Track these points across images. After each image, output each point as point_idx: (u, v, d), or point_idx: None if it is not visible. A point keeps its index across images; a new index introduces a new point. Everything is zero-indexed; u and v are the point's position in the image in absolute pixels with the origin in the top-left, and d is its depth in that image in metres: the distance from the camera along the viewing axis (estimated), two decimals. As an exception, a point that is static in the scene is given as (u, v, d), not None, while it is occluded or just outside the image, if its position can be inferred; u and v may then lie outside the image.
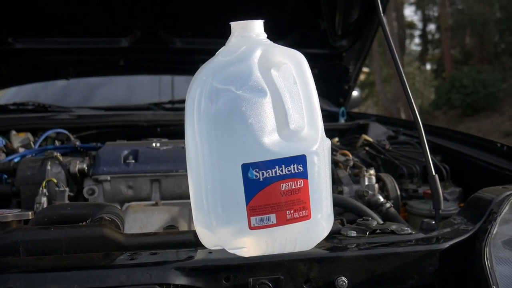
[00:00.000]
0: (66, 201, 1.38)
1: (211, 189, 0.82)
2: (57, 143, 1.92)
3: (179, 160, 1.48)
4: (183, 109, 2.54)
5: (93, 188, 1.45)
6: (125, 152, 1.49)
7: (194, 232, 0.92)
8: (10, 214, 0.88)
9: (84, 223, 0.98)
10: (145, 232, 0.97)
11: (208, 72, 0.86)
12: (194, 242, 0.89)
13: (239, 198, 0.79)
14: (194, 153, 0.85)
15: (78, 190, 1.47)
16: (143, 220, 1.33)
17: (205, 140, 0.83)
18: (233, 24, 0.89)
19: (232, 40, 0.89)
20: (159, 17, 2.25)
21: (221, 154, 0.81)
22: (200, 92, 0.84)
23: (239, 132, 0.81)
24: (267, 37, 0.88)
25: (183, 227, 1.33)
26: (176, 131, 2.29)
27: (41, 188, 1.37)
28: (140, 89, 2.91)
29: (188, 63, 2.53)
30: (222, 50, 0.90)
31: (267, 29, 0.88)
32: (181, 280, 0.77)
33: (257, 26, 0.89)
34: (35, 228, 0.89)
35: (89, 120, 2.21)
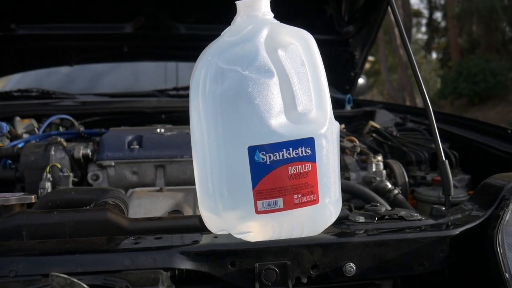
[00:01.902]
0: (70, 186, 1.37)
1: (216, 172, 0.80)
2: (61, 129, 1.91)
3: (184, 145, 1.47)
4: (187, 96, 2.53)
5: (97, 173, 1.44)
6: (129, 138, 1.47)
7: (199, 217, 0.90)
8: (13, 197, 0.87)
9: (88, 207, 0.96)
10: (149, 217, 0.96)
11: (213, 52, 0.84)
12: (199, 227, 0.88)
13: (246, 182, 0.77)
14: (199, 135, 0.83)
15: (82, 176, 1.46)
16: (148, 205, 1.31)
17: (211, 121, 0.81)
18: (239, 3, 0.86)
19: (238, 19, 0.87)
20: (163, 3, 2.22)
21: (227, 136, 0.79)
22: (205, 72, 0.82)
23: (245, 114, 0.79)
24: (272, 20, 0.86)
25: (188, 213, 1.32)
26: (180, 118, 2.27)
27: (45, 173, 1.36)
28: (145, 76, 2.89)
29: (192, 49, 2.48)
30: (227, 30, 0.87)
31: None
32: (186, 264, 0.75)
33: (264, 4, 0.86)
34: (38, 211, 0.87)
35: (94, 107, 2.20)
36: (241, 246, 0.78)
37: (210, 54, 0.83)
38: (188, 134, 1.52)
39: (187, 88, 2.57)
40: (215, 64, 0.81)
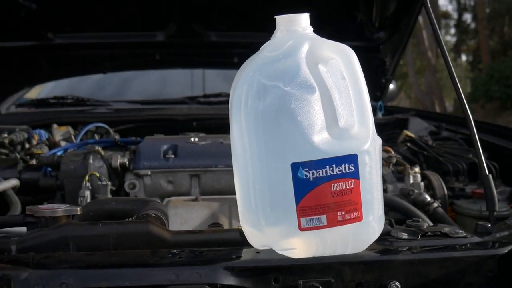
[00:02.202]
0: (109, 195, 1.40)
1: (259, 188, 0.80)
2: (96, 136, 1.95)
3: (218, 155, 1.48)
4: (217, 103, 2.55)
5: (134, 182, 1.46)
6: (165, 147, 1.49)
7: (240, 231, 0.91)
8: (60, 209, 0.89)
9: (130, 219, 0.98)
10: (190, 230, 0.97)
11: (254, 68, 0.84)
12: (240, 241, 0.88)
13: (289, 198, 0.77)
14: (241, 151, 0.84)
15: (120, 184, 1.49)
16: (184, 215, 1.33)
17: (253, 138, 0.81)
18: (279, 18, 0.86)
19: (278, 34, 0.87)
20: (195, 11, 2.25)
21: (269, 153, 0.80)
22: (247, 88, 0.82)
23: (288, 130, 0.79)
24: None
25: (224, 223, 1.33)
26: (211, 125, 2.29)
27: (84, 182, 1.40)
28: (172, 82, 2.93)
29: (222, 57, 2.53)
30: (267, 44, 0.87)
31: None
32: (230, 280, 0.76)
33: (303, 19, 0.86)
34: (83, 223, 0.89)
35: (127, 114, 2.24)
36: (284, 262, 0.78)
37: (252, 70, 0.84)
38: (222, 144, 1.54)
39: (218, 95, 2.59)
40: (256, 80, 0.81)
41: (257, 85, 0.81)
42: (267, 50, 0.86)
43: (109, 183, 1.41)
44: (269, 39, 0.86)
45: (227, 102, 2.45)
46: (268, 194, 0.79)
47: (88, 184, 1.40)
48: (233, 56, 2.46)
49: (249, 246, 0.85)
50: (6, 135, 1.70)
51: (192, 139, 1.57)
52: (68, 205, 0.93)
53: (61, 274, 0.74)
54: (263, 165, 0.80)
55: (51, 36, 2.25)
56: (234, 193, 1.47)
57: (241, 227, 0.89)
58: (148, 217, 0.95)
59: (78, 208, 0.91)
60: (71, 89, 2.77)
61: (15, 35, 2.08)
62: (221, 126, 2.28)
